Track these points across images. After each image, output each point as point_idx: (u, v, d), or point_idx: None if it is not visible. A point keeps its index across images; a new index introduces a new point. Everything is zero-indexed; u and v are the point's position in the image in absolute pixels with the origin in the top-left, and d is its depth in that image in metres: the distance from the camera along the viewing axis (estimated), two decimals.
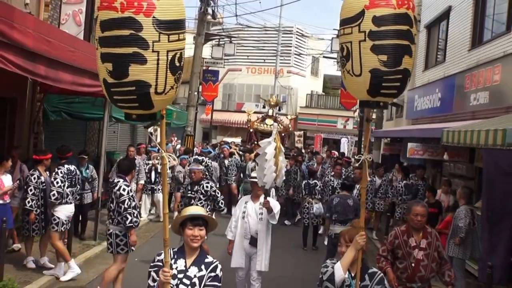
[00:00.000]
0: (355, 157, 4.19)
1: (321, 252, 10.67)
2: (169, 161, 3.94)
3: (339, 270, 3.94)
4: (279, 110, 20.07)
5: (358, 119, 23.43)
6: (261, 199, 7.11)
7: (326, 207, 9.65)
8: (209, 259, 3.94)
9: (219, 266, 3.91)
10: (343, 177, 12.90)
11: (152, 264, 3.84)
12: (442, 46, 15.10)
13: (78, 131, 13.00)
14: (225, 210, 10.01)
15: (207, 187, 8.47)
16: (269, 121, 18.26)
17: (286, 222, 14.21)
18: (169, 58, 3.30)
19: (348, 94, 24.21)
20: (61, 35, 7.91)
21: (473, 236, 8.77)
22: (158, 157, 12.14)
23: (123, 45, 3.20)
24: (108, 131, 13.26)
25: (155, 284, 3.76)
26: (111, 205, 7.01)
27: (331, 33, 35.41)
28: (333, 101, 37.29)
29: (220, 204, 8.48)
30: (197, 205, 7.99)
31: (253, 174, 7.53)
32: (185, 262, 3.84)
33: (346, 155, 22.84)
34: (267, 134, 17.42)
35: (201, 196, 8.40)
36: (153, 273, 3.81)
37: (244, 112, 36.52)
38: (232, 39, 23.74)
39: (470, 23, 12.58)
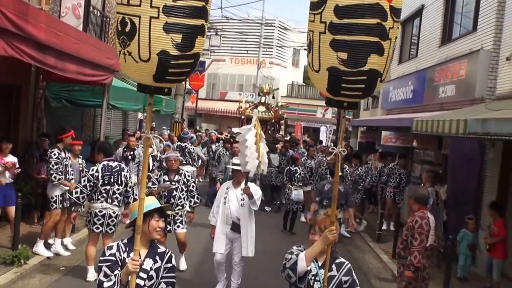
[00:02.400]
0: (330, 149, 3.91)
1: (300, 235, 11.11)
2: (157, 150, 4.02)
3: (302, 261, 3.76)
4: (273, 97, 19.92)
5: (336, 109, 24.34)
6: (243, 185, 7.06)
7: (317, 192, 9.78)
8: (162, 249, 3.78)
9: (173, 255, 3.80)
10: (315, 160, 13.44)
11: (102, 258, 3.63)
12: (415, 41, 15.92)
13: (75, 117, 13.65)
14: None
15: (189, 176, 7.87)
16: (261, 108, 18.06)
17: (267, 208, 14.30)
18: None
19: None
20: (67, 28, 8.62)
21: (437, 215, 9.75)
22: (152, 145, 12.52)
23: (194, 17, 3.19)
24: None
25: (111, 278, 3.53)
26: (119, 187, 7.24)
27: None
28: (313, 91, 38.22)
29: (196, 199, 7.91)
30: (179, 197, 7.73)
31: (235, 160, 7.44)
32: (139, 254, 3.61)
33: (323, 144, 23.83)
34: (259, 121, 17.95)
35: (183, 187, 7.78)
36: (105, 268, 3.57)
37: (227, 101, 37.56)
38: (218, 31, 24.50)
39: (441, 21, 13.35)
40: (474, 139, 9.38)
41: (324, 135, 32.49)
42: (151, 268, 3.64)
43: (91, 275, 7.28)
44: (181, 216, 7.80)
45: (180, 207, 7.77)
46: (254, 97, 33.58)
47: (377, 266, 10.15)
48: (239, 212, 7.06)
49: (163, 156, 8.60)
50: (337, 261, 3.94)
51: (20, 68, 9.40)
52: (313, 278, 3.81)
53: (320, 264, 3.87)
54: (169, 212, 7.52)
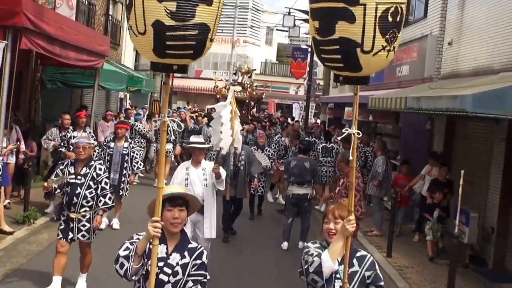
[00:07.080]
0: (343, 130, 3.56)
1: (268, 216, 11.99)
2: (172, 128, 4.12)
3: (328, 262, 3.31)
4: (250, 77, 19.88)
5: (307, 87, 25.76)
6: (203, 164, 6.78)
7: (285, 170, 9.93)
8: (193, 244, 3.56)
9: (205, 252, 3.51)
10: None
11: (128, 240, 3.44)
12: None
13: (65, 97, 14.86)
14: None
15: (99, 169, 6.31)
16: (237, 88, 17.81)
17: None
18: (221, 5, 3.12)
19: (299, 64, 26.66)
20: (70, 22, 9.92)
21: (388, 180, 11.23)
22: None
23: None
24: (88, 98, 15.12)
25: (128, 247, 3.35)
26: None
27: (285, 9, 37.39)
28: (285, 69, 39.57)
29: (108, 199, 6.32)
30: (85, 196, 6.20)
31: (193, 139, 7.05)
32: (166, 248, 3.41)
33: (296, 119, 25.21)
34: (236, 101, 18.50)
35: (91, 183, 6.23)
36: (127, 244, 3.39)
37: (202, 79, 38.69)
38: None
39: None
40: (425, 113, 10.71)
41: (296, 112, 33.85)
42: (177, 264, 3.39)
43: None
44: (89, 221, 6.25)
45: (88, 209, 6.25)
46: (228, 75, 34.82)
47: None
48: (203, 193, 6.71)
49: (72, 141, 7.49)
50: (358, 254, 3.57)
51: (20, 53, 10.56)
52: (333, 276, 3.42)
53: (339, 259, 3.43)
54: (72, 216, 6.21)
